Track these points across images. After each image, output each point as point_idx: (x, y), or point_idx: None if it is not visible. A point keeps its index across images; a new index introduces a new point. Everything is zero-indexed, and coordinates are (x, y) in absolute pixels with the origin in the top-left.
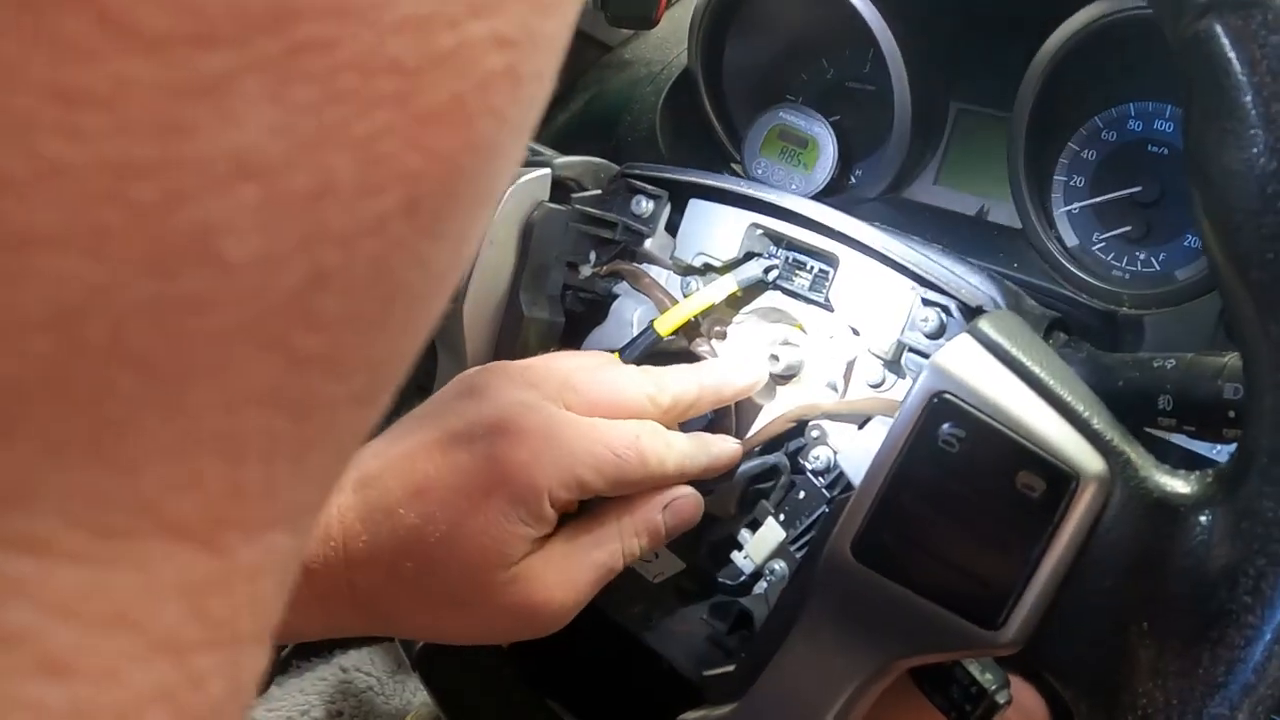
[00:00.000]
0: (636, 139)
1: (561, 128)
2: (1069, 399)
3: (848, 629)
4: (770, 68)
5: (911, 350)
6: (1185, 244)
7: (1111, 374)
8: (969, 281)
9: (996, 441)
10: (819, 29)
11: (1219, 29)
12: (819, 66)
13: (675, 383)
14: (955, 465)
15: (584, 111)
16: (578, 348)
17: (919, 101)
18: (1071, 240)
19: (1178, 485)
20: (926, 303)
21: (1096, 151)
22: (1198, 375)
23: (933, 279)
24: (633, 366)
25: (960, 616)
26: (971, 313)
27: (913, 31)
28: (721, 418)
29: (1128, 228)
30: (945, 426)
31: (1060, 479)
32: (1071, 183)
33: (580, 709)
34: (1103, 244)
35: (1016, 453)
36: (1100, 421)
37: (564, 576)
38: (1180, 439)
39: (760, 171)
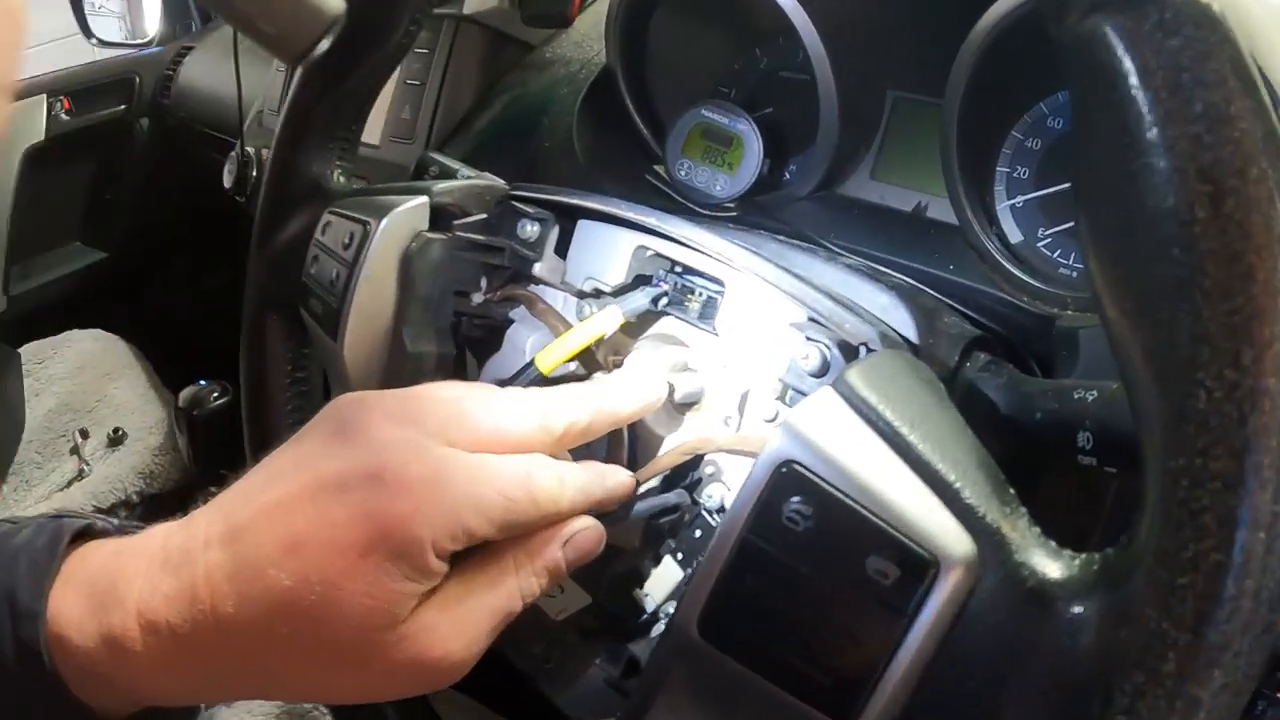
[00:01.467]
0: (555, 144)
1: (480, 133)
2: (939, 467)
3: (701, 709)
4: (698, 60)
5: (794, 390)
6: None
7: (1030, 403)
8: (855, 315)
9: (846, 520)
10: (746, 17)
11: (1108, 30)
12: (751, 56)
13: (567, 408)
14: (801, 544)
15: (502, 116)
16: (475, 377)
17: (848, 90)
18: (1015, 236)
19: (1055, 570)
20: (809, 340)
21: (1042, 140)
22: (1119, 410)
23: (814, 313)
24: (523, 392)
25: (813, 707)
26: (851, 352)
27: (838, 13)
28: (615, 447)
29: (1071, 222)
30: (792, 501)
31: (916, 564)
32: (1015, 174)
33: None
34: (1048, 240)
35: (868, 534)
36: (973, 493)
37: (459, 627)
38: None
39: (684, 174)
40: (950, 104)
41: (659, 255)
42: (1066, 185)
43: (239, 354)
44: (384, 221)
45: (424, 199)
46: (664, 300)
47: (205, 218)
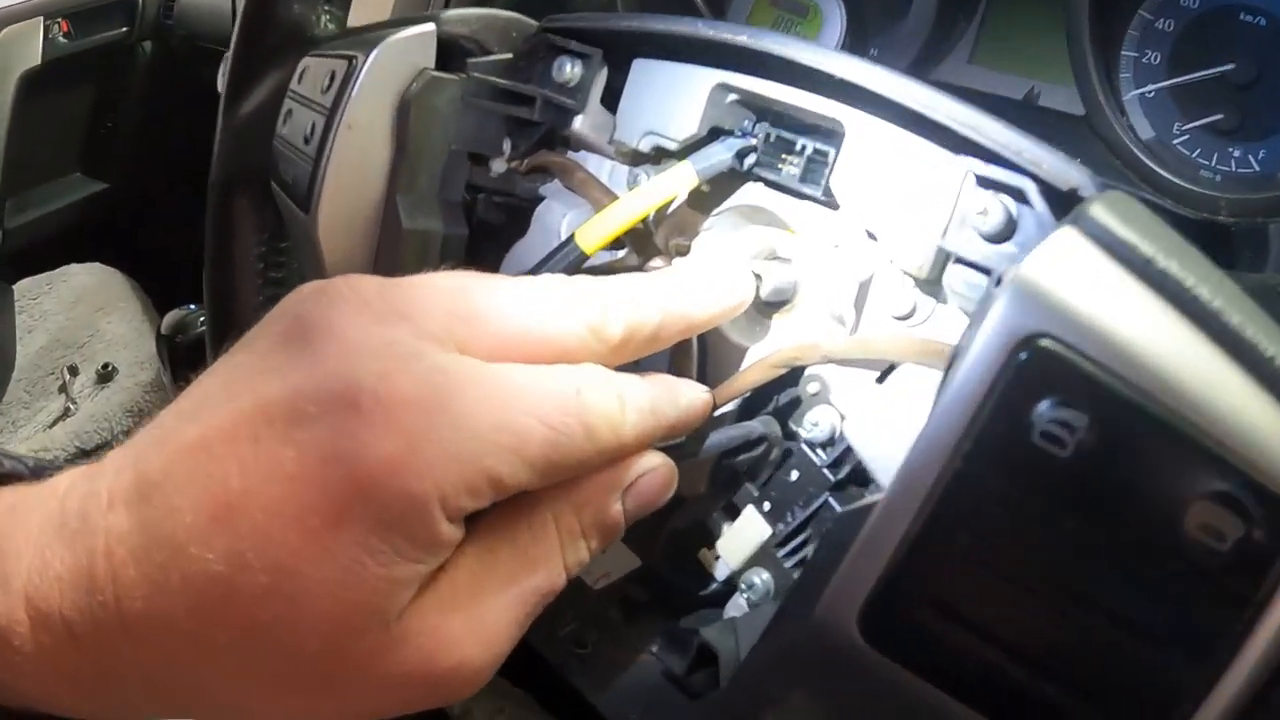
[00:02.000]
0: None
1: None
2: (1270, 351)
3: None
4: None
5: (961, 262)
6: None
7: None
8: (1053, 153)
9: (1153, 440)
10: None
11: None
12: None
13: (628, 305)
14: (1064, 484)
15: None
16: (493, 269)
17: None
18: (1146, 131)
19: None
20: (985, 184)
21: (1174, 21)
22: None
23: (995, 145)
24: (561, 280)
25: None
26: (1063, 200)
27: None
28: (681, 357)
29: (1217, 116)
30: (1045, 406)
31: (1273, 516)
32: (1144, 60)
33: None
34: (1185, 137)
35: (1195, 464)
36: None
37: (479, 622)
38: None
39: None
40: None
41: (746, 98)
42: (1205, 73)
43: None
44: (374, 53)
45: (429, 26)
46: (751, 158)
47: (209, 147)
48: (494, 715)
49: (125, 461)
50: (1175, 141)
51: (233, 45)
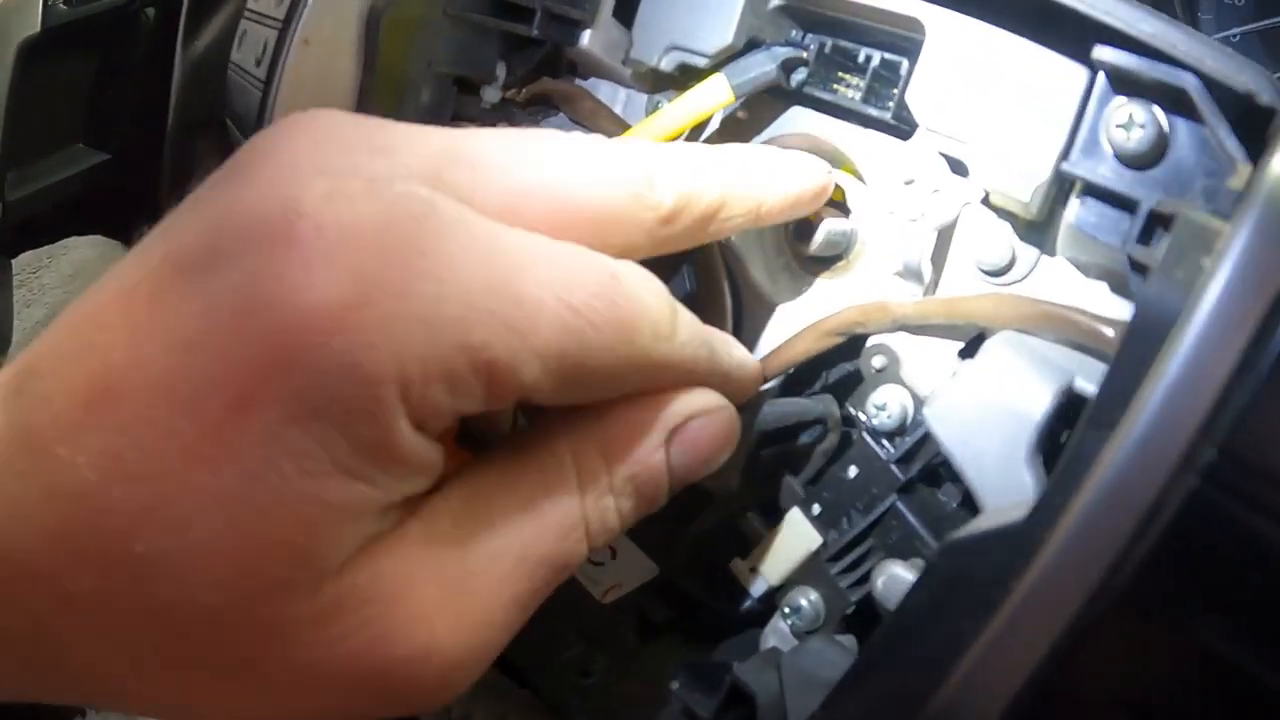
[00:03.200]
0: None
1: None
2: None
3: None
4: None
5: (1092, 193)
6: None
7: None
8: (1216, 49)
9: None
10: None
11: None
12: None
13: (682, 168)
14: None
15: None
16: None
17: None
18: None
19: None
20: (1125, 86)
21: None
22: None
23: (1141, 34)
24: (597, 137)
25: None
26: (1239, 108)
27: None
28: (708, 318)
29: None
30: None
31: None
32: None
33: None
34: None
35: None
36: None
37: (459, 592)
38: None
39: None
40: None
41: (796, 1)
42: None
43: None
44: None
45: None
46: (801, 73)
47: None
48: None
49: (25, 350)
50: None
51: None
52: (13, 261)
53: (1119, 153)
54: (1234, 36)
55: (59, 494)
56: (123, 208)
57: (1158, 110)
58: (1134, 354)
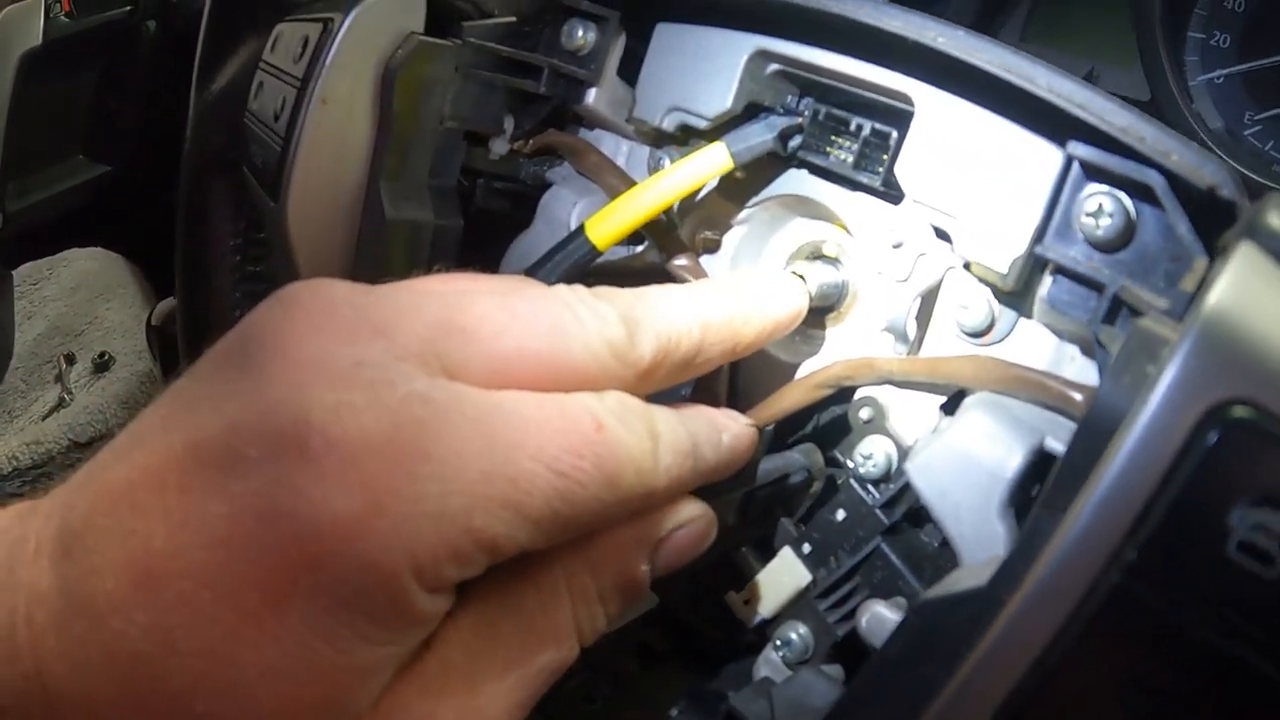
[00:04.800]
0: None
1: None
2: None
3: None
4: None
5: (1063, 272)
6: None
7: None
8: (1180, 141)
9: None
10: None
11: None
12: None
13: (660, 317)
14: (1274, 613)
15: None
16: (493, 265)
17: None
18: (1215, 121)
19: None
20: (1095, 175)
21: (1245, 1)
22: None
23: (1110, 129)
24: (576, 289)
25: None
26: (1201, 200)
27: None
28: (708, 379)
29: None
30: (1247, 506)
31: None
32: (1213, 42)
33: None
34: (1258, 128)
35: None
36: None
37: (473, 711)
38: None
39: None
40: None
41: (791, 69)
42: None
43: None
44: (354, 13)
45: None
46: (796, 140)
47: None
48: None
49: (57, 503)
50: (1247, 132)
51: (205, 12)
52: (13, 273)
53: (1089, 238)
54: (1218, 79)
55: (118, 657)
56: (123, 220)
57: (1126, 199)
58: (1084, 448)
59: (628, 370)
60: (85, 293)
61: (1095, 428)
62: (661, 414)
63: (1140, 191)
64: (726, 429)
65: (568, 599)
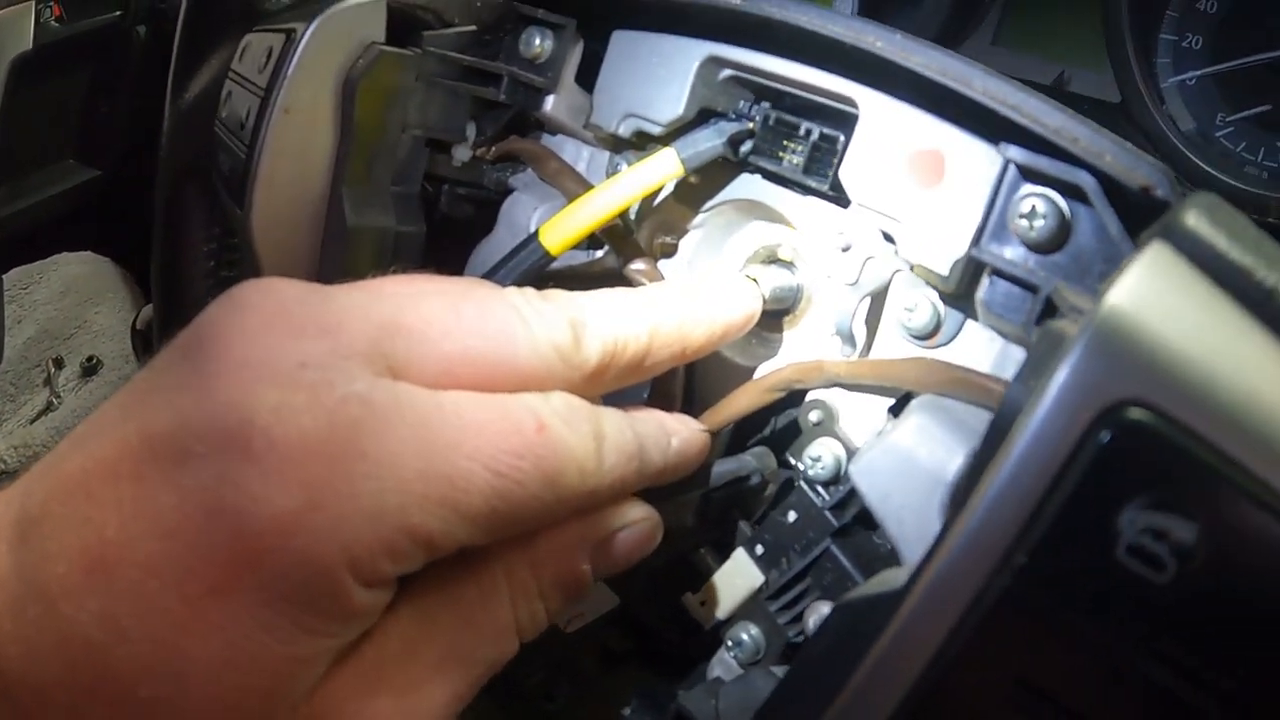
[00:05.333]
0: None
1: None
2: None
3: None
4: None
5: (999, 274)
6: None
7: None
8: (1115, 143)
9: None
10: None
11: None
12: None
13: (608, 319)
14: (1160, 617)
15: None
16: (456, 271)
17: None
18: (1187, 123)
19: None
20: (1031, 178)
21: (1217, 2)
22: None
23: (1045, 131)
24: (526, 291)
25: None
26: (1129, 203)
27: None
28: (661, 377)
29: (1265, 107)
30: (1136, 510)
31: None
32: (1185, 44)
33: None
34: (1230, 129)
35: None
36: None
37: (410, 703)
38: None
39: None
40: None
41: (741, 75)
42: (1252, 59)
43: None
44: (315, 24)
45: None
46: (747, 145)
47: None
48: None
49: (18, 490)
50: (1219, 134)
51: (179, 22)
52: (4, 277)
53: (1024, 239)
54: (1190, 80)
55: (69, 643)
56: (113, 224)
57: (1060, 200)
58: (986, 449)
59: (574, 372)
60: (75, 297)
61: (999, 428)
62: (609, 416)
63: (1074, 193)
64: (676, 433)
65: (507, 594)
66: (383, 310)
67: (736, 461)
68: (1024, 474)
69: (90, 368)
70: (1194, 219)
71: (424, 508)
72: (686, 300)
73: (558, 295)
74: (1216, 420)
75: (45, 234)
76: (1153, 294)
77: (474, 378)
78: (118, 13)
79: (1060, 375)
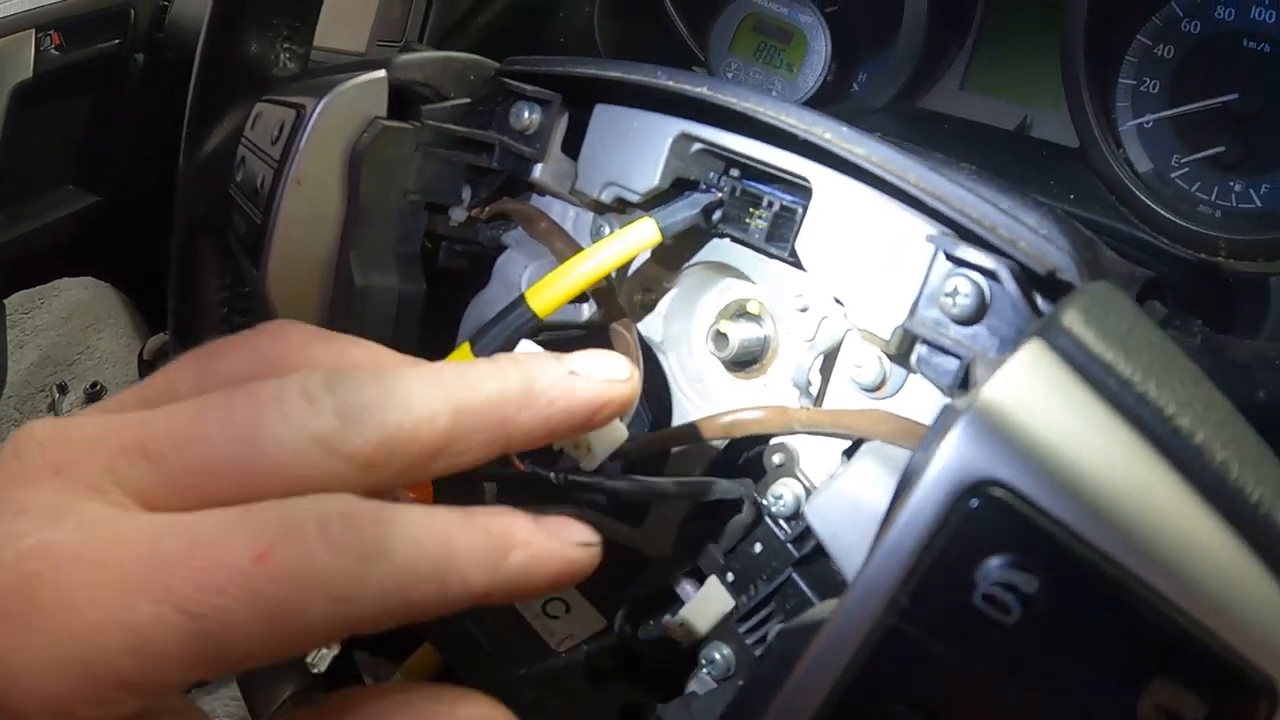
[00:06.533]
0: (572, 40)
1: (482, 30)
2: (1258, 497)
3: None
4: None
5: (928, 344)
6: None
7: (1246, 377)
8: (1029, 225)
9: (1113, 609)
10: None
11: None
12: None
13: (389, 402)
14: (1006, 652)
15: (509, 9)
16: (457, 321)
17: None
18: (1144, 164)
19: None
20: (955, 263)
21: (1174, 47)
22: None
23: (967, 220)
24: (284, 383)
25: None
26: (1040, 283)
27: None
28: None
29: (1219, 149)
30: (992, 565)
31: (1237, 694)
32: (1143, 88)
33: None
34: (1185, 170)
35: (1154, 637)
36: None
37: None
38: None
39: (731, 76)
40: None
41: (711, 149)
42: (1207, 103)
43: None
44: (323, 102)
45: (380, 73)
46: (718, 214)
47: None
48: None
49: None
50: (1174, 175)
51: (192, 85)
52: (5, 302)
53: (949, 314)
54: (1147, 123)
55: None
56: (113, 250)
57: (982, 281)
58: (892, 505)
59: (346, 465)
60: (77, 322)
61: (901, 488)
62: (405, 523)
63: (992, 275)
64: (524, 546)
65: None
66: (127, 434)
67: (723, 485)
68: (909, 529)
69: (94, 393)
70: (1069, 317)
71: (108, 657)
72: (513, 379)
73: (342, 377)
74: (1059, 498)
75: (46, 259)
76: (1020, 389)
77: (224, 488)
78: (116, 41)
79: (941, 452)
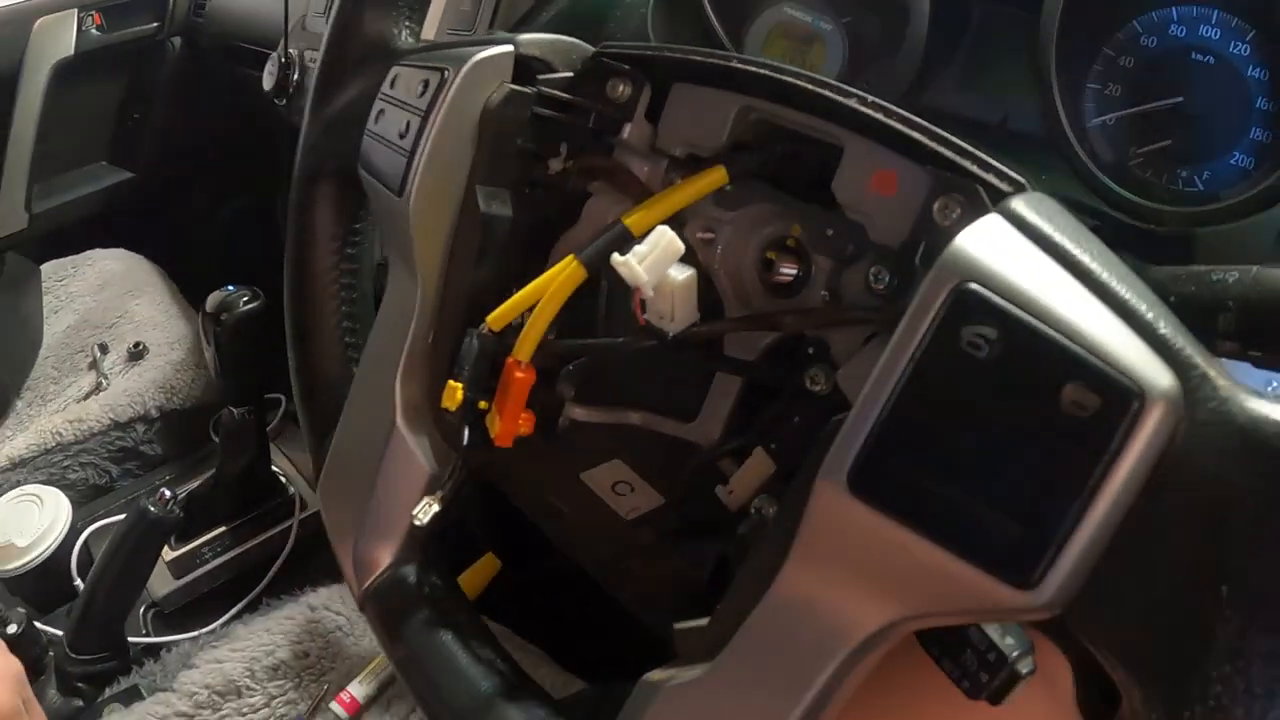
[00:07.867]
0: (626, 37)
1: (546, 26)
2: (1128, 297)
3: (841, 580)
4: None
5: (929, 247)
6: (1231, 163)
7: (1162, 289)
8: (1001, 167)
9: (1038, 345)
10: None
11: None
12: None
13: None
14: (982, 374)
15: (571, 9)
16: (547, 251)
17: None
18: (1106, 155)
19: (1270, 411)
20: (946, 188)
21: (1134, 58)
22: (1265, 289)
23: (954, 156)
24: None
25: (984, 570)
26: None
27: None
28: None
29: (1167, 141)
30: (972, 325)
31: (1119, 395)
32: (1106, 91)
33: (549, 649)
34: (1140, 160)
35: (1064, 360)
36: (1168, 326)
37: None
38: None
39: None
40: (1049, 15)
41: (765, 120)
42: (1159, 104)
43: (276, 260)
44: (466, 67)
45: (509, 47)
46: (770, 167)
47: (233, 140)
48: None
49: None
50: (1131, 164)
51: (321, 54)
52: (42, 269)
53: (942, 224)
54: (1110, 121)
55: None
56: (144, 224)
57: (964, 199)
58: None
59: None
60: (113, 290)
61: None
62: None
63: (974, 194)
64: None
65: None
66: None
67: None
68: (920, 313)
69: (136, 353)
70: (1019, 203)
71: None
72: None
73: None
74: (1004, 289)
75: (79, 230)
76: (983, 236)
77: None
78: (155, 24)
79: (935, 271)
